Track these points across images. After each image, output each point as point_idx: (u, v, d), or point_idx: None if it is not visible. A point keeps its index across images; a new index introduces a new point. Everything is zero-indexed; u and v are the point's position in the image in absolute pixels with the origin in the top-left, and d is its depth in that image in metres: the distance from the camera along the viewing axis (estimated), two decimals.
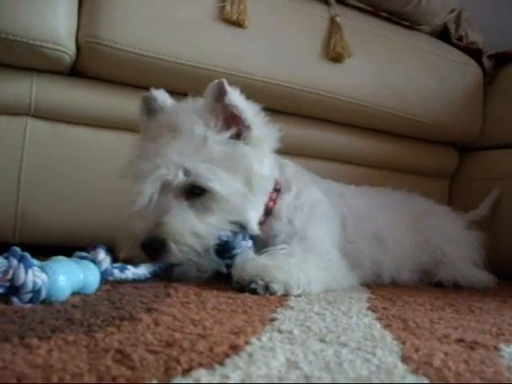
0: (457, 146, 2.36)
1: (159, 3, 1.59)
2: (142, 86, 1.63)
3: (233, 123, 1.23)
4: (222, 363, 0.57)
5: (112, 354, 0.58)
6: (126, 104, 1.62)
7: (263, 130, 1.27)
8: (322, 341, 0.72)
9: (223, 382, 0.50)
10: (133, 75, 1.62)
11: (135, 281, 1.09)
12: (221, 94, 1.20)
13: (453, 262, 1.69)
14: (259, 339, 0.69)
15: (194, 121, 1.21)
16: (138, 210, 1.17)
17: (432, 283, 1.66)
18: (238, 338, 0.69)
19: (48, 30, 1.44)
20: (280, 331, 0.76)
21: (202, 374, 0.52)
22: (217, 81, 1.20)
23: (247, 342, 0.67)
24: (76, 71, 1.59)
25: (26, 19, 1.41)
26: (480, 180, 2.27)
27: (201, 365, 0.56)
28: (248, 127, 1.24)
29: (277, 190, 1.36)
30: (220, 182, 1.17)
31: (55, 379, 0.48)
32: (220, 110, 1.21)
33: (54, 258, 0.95)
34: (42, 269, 0.85)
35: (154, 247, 1.14)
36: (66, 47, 1.48)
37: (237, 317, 0.85)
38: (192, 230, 1.15)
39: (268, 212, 1.34)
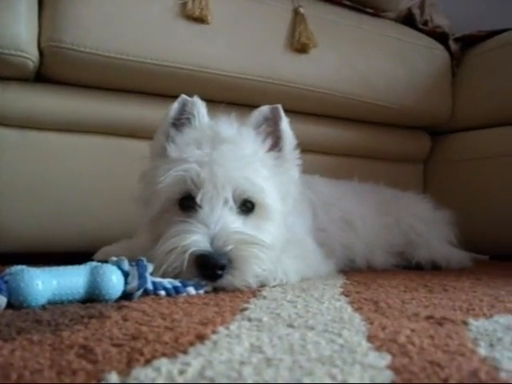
0: (428, 129, 2.38)
1: (120, 3, 1.58)
2: (108, 88, 1.63)
3: (275, 146, 1.25)
4: (185, 352, 0.57)
5: (76, 350, 0.58)
6: (93, 107, 1.61)
7: (293, 160, 1.28)
8: (289, 326, 0.73)
9: (183, 369, 0.51)
10: (98, 77, 1.61)
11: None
12: (277, 118, 1.24)
13: (427, 242, 1.72)
14: (227, 328, 0.70)
15: (247, 135, 1.20)
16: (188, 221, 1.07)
17: (411, 266, 1.67)
18: (205, 328, 0.69)
19: (9, 36, 1.43)
20: (249, 319, 0.76)
21: (162, 362, 0.53)
22: (273, 106, 1.24)
23: (214, 331, 0.67)
24: (41, 76, 1.58)
25: None
26: (453, 162, 2.29)
27: (164, 354, 0.56)
28: (283, 155, 1.25)
29: None
30: (273, 199, 1.17)
31: (14, 376, 0.48)
32: (270, 133, 1.24)
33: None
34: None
35: (216, 263, 1.01)
36: (29, 53, 1.47)
37: (208, 309, 0.85)
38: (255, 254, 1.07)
39: None
